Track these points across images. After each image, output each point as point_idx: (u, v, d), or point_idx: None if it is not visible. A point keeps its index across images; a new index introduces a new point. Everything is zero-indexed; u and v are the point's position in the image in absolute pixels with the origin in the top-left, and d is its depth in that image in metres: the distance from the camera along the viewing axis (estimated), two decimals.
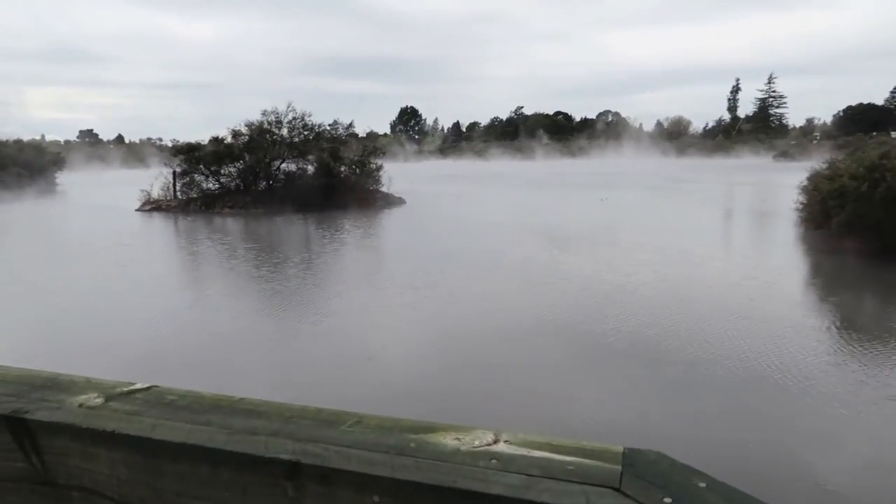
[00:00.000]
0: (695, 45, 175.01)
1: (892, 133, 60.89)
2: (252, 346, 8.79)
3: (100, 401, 0.87)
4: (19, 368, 1.02)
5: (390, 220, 24.88)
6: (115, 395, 0.89)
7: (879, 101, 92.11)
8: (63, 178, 43.66)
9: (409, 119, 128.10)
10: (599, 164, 68.50)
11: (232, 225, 23.68)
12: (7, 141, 45.45)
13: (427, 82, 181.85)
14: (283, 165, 27.88)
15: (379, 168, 29.77)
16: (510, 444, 0.71)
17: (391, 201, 28.68)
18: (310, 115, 28.52)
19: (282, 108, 28.12)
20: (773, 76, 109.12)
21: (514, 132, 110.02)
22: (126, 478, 0.81)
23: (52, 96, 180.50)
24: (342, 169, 28.43)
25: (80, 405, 0.87)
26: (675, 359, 7.83)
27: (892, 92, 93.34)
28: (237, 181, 27.56)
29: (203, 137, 46.34)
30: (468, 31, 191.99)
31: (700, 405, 6.55)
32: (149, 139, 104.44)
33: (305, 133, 28.24)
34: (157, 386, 0.91)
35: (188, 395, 0.88)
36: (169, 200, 27.20)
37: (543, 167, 65.25)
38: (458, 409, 6.45)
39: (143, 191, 27.26)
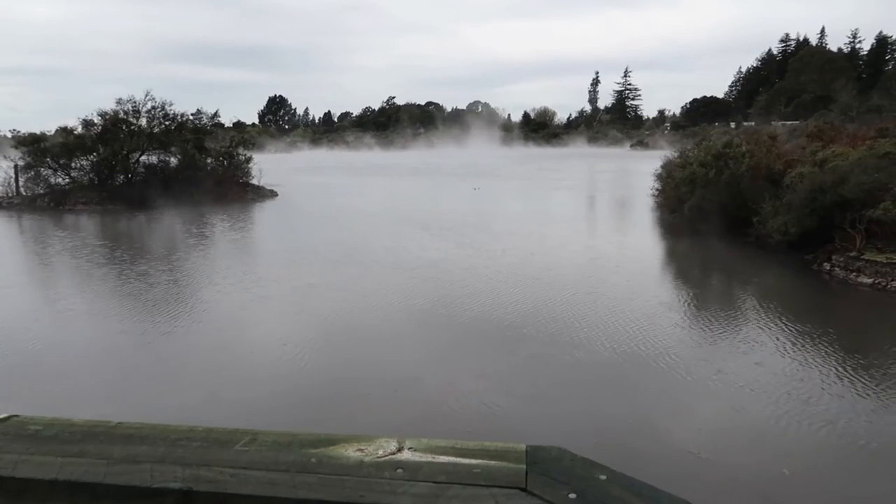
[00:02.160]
0: (557, 40, 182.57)
1: (731, 123, 66.72)
2: (91, 353, 8.24)
3: None
4: None
5: (261, 213, 24.09)
6: None
7: (720, 95, 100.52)
8: None
9: (277, 108, 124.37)
10: (470, 154, 69.94)
11: (84, 222, 21.97)
12: None
13: (296, 72, 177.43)
14: (143, 158, 26.19)
15: (248, 160, 28.71)
16: (414, 451, 0.70)
17: (262, 194, 27.78)
18: (171, 105, 26.95)
19: (139, 96, 26.34)
20: (629, 70, 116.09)
21: (386, 122, 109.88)
22: None
23: None
24: (208, 161, 27.15)
25: None
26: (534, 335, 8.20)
27: (730, 86, 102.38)
28: (91, 175, 25.56)
29: (50, 128, 42.57)
30: (336, 21, 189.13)
31: (557, 377, 6.90)
32: None
33: (167, 123, 26.62)
34: (17, 416, 0.83)
35: (55, 422, 0.80)
36: (11, 197, 24.78)
37: (416, 157, 65.70)
38: (317, 398, 6.40)
39: None
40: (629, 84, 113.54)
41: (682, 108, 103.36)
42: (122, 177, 25.68)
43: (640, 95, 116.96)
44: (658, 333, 8.44)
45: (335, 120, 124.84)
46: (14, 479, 0.71)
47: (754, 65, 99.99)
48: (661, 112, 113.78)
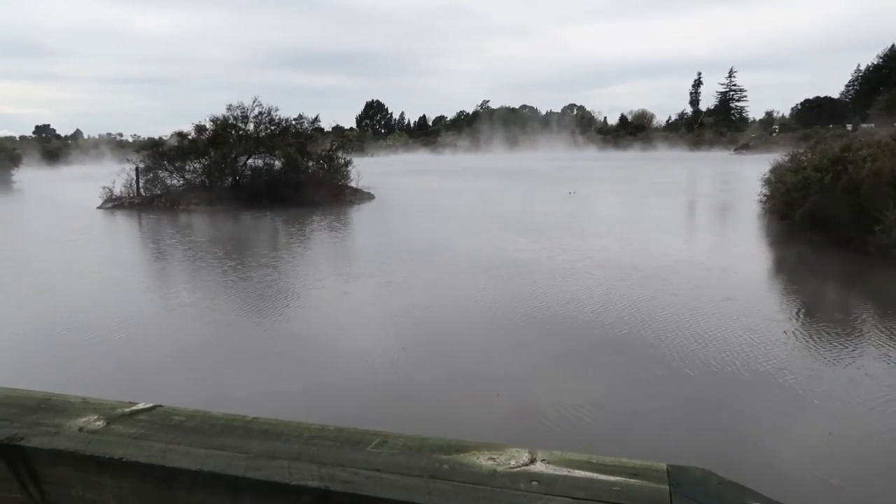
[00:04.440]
0: (657, 40, 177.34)
1: (848, 125, 62.55)
2: (197, 343, 8.66)
3: (101, 424, 0.82)
4: (9, 388, 0.96)
5: (358, 214, 24.72)
6: (117, 416, 0.84)
7: (835, 95, 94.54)
8: (19, 174, 42.43)
9: (375, 112, 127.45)
10: (565, 157, 69.03)
11: (195, 221, 23.27)
12: None
13: (391, 76, 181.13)
14: (250, 161, 27.49)
15: (347, 163, 29.55)
16: (548, 463, 0.68)
17: (360, 196, 28.50)
18: (277, 110, 28.17)
19: (246, 102, 27.75)
20: (734, 70, 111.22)
21: (479, 125, 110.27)
22: None
23: (5, 91, 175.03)
24: (310, 164, 28.13)
25: (80, 429, 0.81)
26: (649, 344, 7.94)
27: (846, 86, 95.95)
28: (202, 177, 27.07)
29: (165, 132, 45.44)
30: (429, 26, 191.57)
31: (655, 389, 6.64)
32: (108, 134, 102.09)
33: (272, 128, 27.85)
34: (160, 406, 0.86)
35: (196, 415, 0.83)
36: (132, 197, 26.60)
37: (509, 160, 65.53)
38: (412, 396, 6.44)
39: (104, 188, 26.59)
40: (734, 84, 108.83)
41: (792, 109, 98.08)
42: (230, 179, 27.02)
43: (745, 96, 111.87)
44: (770, 347, 8.00)
45: (430, 123, 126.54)
46: (163, 467, 0.73)
47: (875, 62, 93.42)
48: (769, 114, 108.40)
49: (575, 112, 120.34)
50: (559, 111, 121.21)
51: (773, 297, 11.00)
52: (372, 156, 70.93)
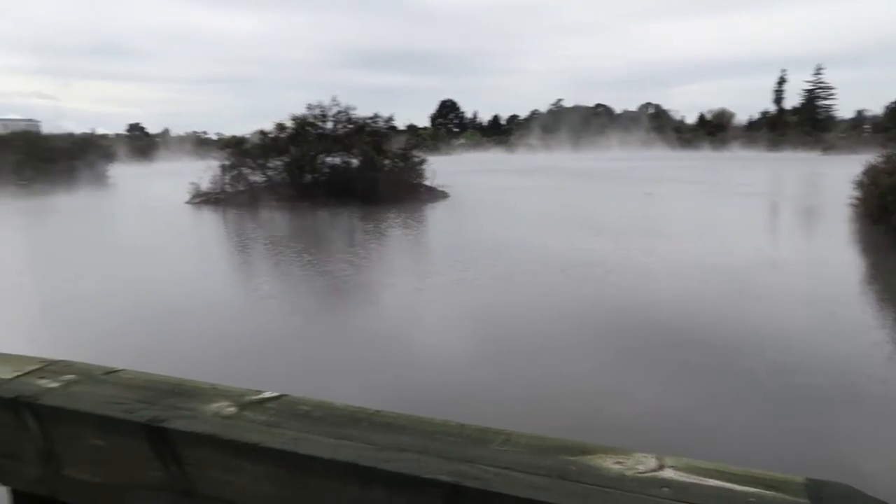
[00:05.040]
0: (740, 36, 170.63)
1: None
2: (305, 339, 8.96)
3: (233, 410, 0.86)
4: (144, 373, 1.02)
5: (433, 212, 24.98)
6: (247, 403, 0.88)
7: None
8: (114, 170, 44.79)
9: (448, 112, 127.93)
10: (642, 157, 67.52)
11: (276, 217, 24.05)
12: (59, 135, 46.87)
13: (465, 76, 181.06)
14: (328, 159, 28.17)
15: (422, 161, 29.85)
16: (677, 469, 0.66)
17: (434, 194, 28.76)
18: (354, 109, 28.77)
19: (321, 100, 28.55)
20: (821, 67, 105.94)
21: (553, 124, 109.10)
22: (270, 492, 0.78)
23: (100, 91, 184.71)
24: (386, 162, 28.59)
25: (215, 414, 0.85)
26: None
27: None
28: (283, 174, 27.94)
29: (246, 131, 47.09)
30: (503, 25, 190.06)
31: (749, 396, 6.47)
32: (194, 132, 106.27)
33: (350, 127, 28.47)
34: (286, 395, 0.89)
35: (321, 405, 0.86)
36: (217, 193, 27.71)
37: (584, 159, 64.60)
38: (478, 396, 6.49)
39: (192, 183, 27.80)
40: (821, 82, 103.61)
41: (886, 108, 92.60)
42: (309, 176, 27.76)
43: (833, 95, 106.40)
44: (862, 357, 7.68)
45: (502, 122, 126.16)
46: (296, 454, 0.75)
47: None
48: (860, 112, 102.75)
49: (651, 111, 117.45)
50: (635, 110, 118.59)
51: (864, 305, 10.53)
52: (446, 154, 71.35)
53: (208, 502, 0.82)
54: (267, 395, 0.89)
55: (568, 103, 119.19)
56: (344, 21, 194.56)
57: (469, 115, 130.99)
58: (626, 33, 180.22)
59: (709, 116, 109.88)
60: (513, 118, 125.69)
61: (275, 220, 23.72)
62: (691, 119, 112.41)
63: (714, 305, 10.03)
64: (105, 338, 8.55)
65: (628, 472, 0.66)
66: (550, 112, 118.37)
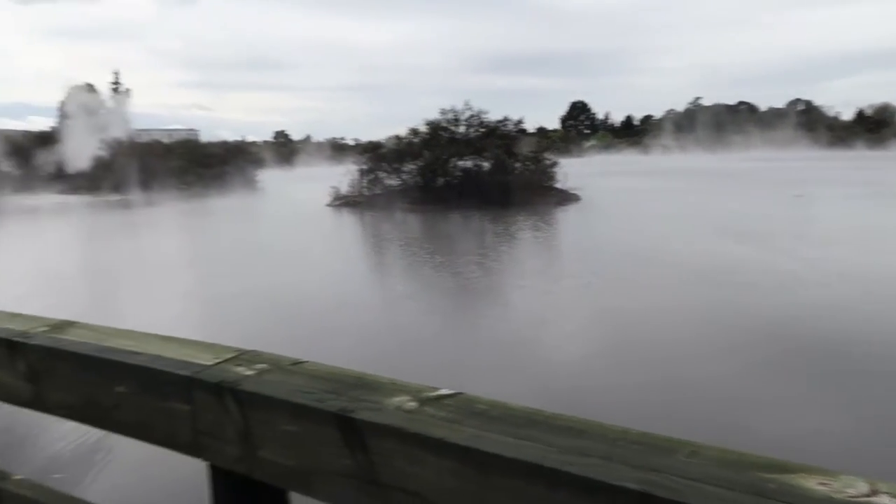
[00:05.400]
0: None
1: None
2: (440, 337, 9.14)
3: (414, 405, 0.88)
4: (327, 365, 1.06)
5: (564, 215, 24.68)
6: (426, 399, 0.90)
7: None
8: (262, 175, 48.02)
9: (578, 113, 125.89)
10: (791, 157, 62.95)
11: (410, 220, 24.73)
12: (215, 142, 51.00)
13: (596, 76, 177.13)
14: (460, 162, 28.62)
15: (553, 164, 29.60)
16: (893, 497, 0.60)
17: (566, 197, 28.39)
18: (486, 113, 29.06)
19: (453, 105, 29.07)
20: None
21: (690, 124, 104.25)
22: (453, 487, 0.79)
23: (251, 102, 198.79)
24: (516, 165, 28.60)
25: (397, 408, 0.88)
26: None
27: None
28: (417, 178, 28.71)
29: (381, 136, 48.84)
30: (636, 21, 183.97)
31: None
32: (333, 138, 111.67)
33: (482, 130, 28.78)
34: (462, 393, 0.91)
35: (497, 405, 0.86)
36: (356, 196, 28.95)
37: (726, 160, 61.21)
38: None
39: (332, 187, 29.23)
40: None
41: None
42: (441, 180, 28.34)
43: None
44: None
45: (636, 123, 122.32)
46: (480, 451, 0.76)
47: None
48: None
49: (801, 107, 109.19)
50: (781, 107, 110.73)
51: None
52: (576, 157, 70.29)
53: (393, 492, 0.85)
54: (444, 392, 0.92)
55: (707, 101, 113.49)
56: (474, 27, 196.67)
57: (600, 116, 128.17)
58: (771, 24, 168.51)
59: (869, 112, 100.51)
60: (646, 118, 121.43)
61: (408, 222, 24.42)
62: (847, 115, 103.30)
63: (871, 318, 9.15)
64: (267, 331, 9.17)
65: (836, 496, 0.61)
66: (687, 111, 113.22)
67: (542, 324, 9.82)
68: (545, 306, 10.78)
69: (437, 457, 0.80)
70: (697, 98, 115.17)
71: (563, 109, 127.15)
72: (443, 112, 29.11)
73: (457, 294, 12.21)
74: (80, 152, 43.37)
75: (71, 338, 1.28)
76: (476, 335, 9.27)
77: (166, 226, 24.85)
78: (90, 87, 54.17)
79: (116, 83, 57.59)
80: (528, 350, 8.47)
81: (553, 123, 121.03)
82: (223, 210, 30.06)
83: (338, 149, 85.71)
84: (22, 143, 45.58)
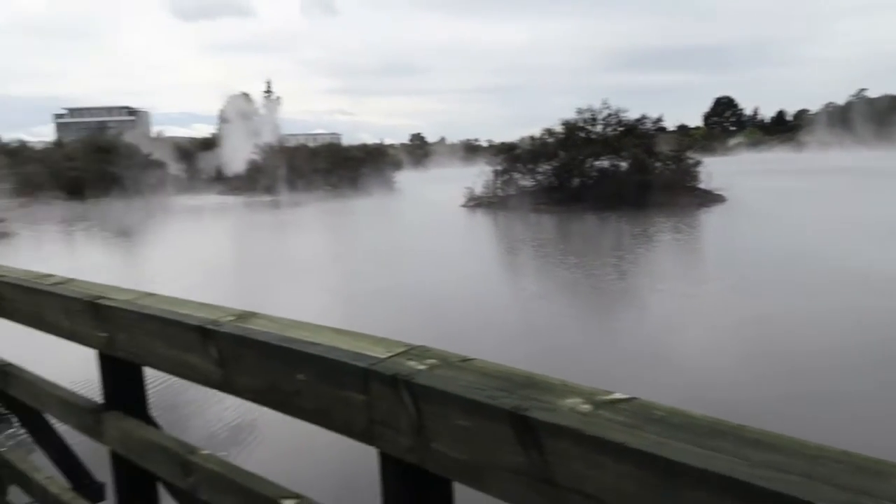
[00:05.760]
0: None
1: None
2: (574, 339, 8.99)
3: (588, 407, 0.87)
4: (495, 363, 1.06)
5: (707, 217, 23.47)
6: (600, 402, 0.88)
7: None
8: (399, 176, 49.61)
9: (724, 110, 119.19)
10: None
11: (544, 221, 24.53)
12: (356, 146, 53.38)
13: (742, 69, 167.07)
14: (597, 163, 28.03)
15: (696, 163, 28.23)
16: None
17: (709, 198, 26.98)
18: (625, 112, 28.26)
19: (590, 104, 28.52)
20: None
21: (854, 118, 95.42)
22: (633, 492, 0.77)
23: (389, 106, 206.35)
24: (657, 165, 27.57)
25: (571, 409, 0.87)
26: None
27: None
28: (552, 178, 28.45)
29: (513, 137, 48.90)
30: (787, 8, 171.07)
31: None
32: (467, 140, 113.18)
33: (619, 129, 28.02)
34: (637, 398, 0.88)
35: (677, 413, 0.83)
36: (490, 197, 29.17)
37: (893, 158, 55.46)
38: None
39: (467, 188, 29.63)
40: None
41: None
42: (577, 180, 27.89)
43: None
44: None
45: (789, 118, 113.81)
46: (664, 459, 0.73)
47: None
48: None
49: None
50: None
51: None
52: (721, 155, 66.59)
53: (568, 493, 0.84)
54: (618, 396, 0.90)
55: (874, 93, 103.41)
56: (609, 24, 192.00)
57: (748, 111, 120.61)
58: None
59: None
60: (801, 113, 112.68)
61: (543, 223, 24.25)
62: None
63: None
64: (408, 329, 9.46)
65: None
66: (850, 103, 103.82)
67: (681, 329, 9.40)
68: (684, 311, 10.32)
69: (617, 461, 0.78)
70: (862, 90, 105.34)
71: (706, 106, 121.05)
72: (579, 111, 28.68)
73: (592, 296, 11.98)
74: (236, 156, 46.98)
75: (255, 327, 1.38)
76: (611, 339, 9.04)
77: (313, 225, 26.34)
78: (246, 96, 58.65)
79: (269, 91, 61.92)
80: (666, 356, 8.14)
81: (695, 121, 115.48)
82: (364, 210, 31.35)
83: (471, 150, 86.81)
84: (188, 149, 50.07)
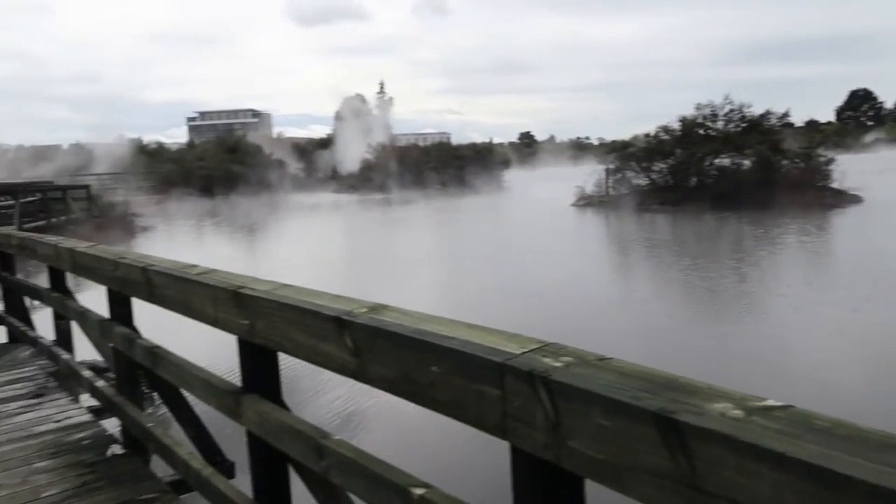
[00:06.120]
0: None
1: None
2: (687, 345, 8.63)
3: (739, 413, 0.84)
4: (633, 364, 1.04)
5: (841, 220, 21.81)
6: (752, 408, 0.85)
7: None
8: (507, 175, 49.55)
9: (860, 103, 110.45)
10: None
11: (658, 221, 23.71)
12: (465, 145, 53.79)
13: (883, 59, 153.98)
14: (716, 161, 26.76)
15: (828, 161, 26.33)
16: None
17: (843, 199, 25.06)
18: (749, 107, 26.76)
19: (699, 99, 27.31)
20: None
21: None
22: None
23: (498, 104, 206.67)
24: (783, 163, 25.96)
25: (721, 414, 0.84)
26: None
27: None
28: (667, 178, 27.45)
29: (624, 134, 47.54)
30: None
31: None
32: (577, 138, 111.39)
33: (742, 125, 26.59)
34: (792, 406, 0.85)
35: (843, 424, 0.79)
36: (601, 196, 28.55)
37: None
38: None
39: (577, 187, 29.13)
40: None
41: None
42: (694, 179, 26.76)
43: None
44: None
45: None
46: (832, 472, 0.70)
47: None
48: None
49: None
50: None
51: None
52: (856, 152, 61.76)
53: (716, 500, 0.82)
54: (772, 403, 0.87)
55: None
56: (728, 14, 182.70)
57: (888, 105, 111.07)
58: None
59: None
60: None
61: (656, 223, 23.47)
62: None
63: None
64: (520, 327, 9.47)
65: None
66: None
67: (804, 338, 8.80)
68: (809, 318, 9.66)
69: (776, 471, 0.75)
70: None
71: (838, 99, 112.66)
72: (698, 107, 27.44)
73: (707, 300, 11.47)
74: (350, 155, 48.63)
75: (389, 319, 1.43)
76: (727, 345, 8.62)
77: (425, 222, 26.83)
78: (360, 98, 60.55)
79: (381, 92, 63.62)
80: (784, 365, 7.66)
81: (826, 115, 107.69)
82: (473, 208, 31.54)
83: (580, 148, 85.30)
84: (305, 149, 52.37)
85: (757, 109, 27.45)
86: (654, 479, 0.89)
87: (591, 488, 1.08)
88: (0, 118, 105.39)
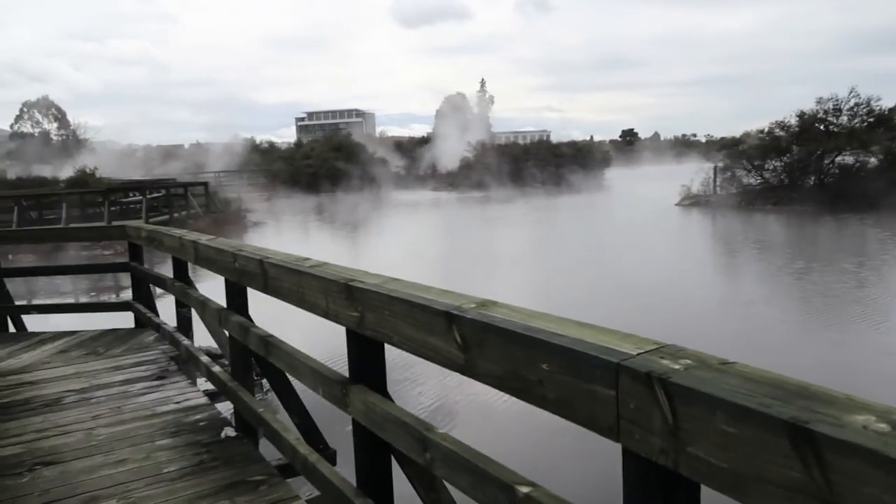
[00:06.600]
0: None
1: None
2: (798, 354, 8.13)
3: (884, 427, 0.78)
4: (760, 369, 0.98)
5: None
6: None
7: None
8: (609, 173, 48.41)
9: None
10: None
11: (770, 222, 22.46)
12: (565, 143, 53.00)
13: None
14: (838, 158, 25.01)
15: None
16: None
17: None
18: (878, 100, 24.80)
19: (818, 93, 25.46)
20: None
21: None
22: None
23: (599, 101, 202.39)
24: None
25: (864, 427, 0.78)
26: None
27: None
28: (782, 176, 25.93)
29: (736, 131, 45.21)
30: None
31: None
32: (683, 135, 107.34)
33: (869, 120, 24.66)
34: None
35: None
36: (708, 196, 27.35)
37: None
38: None
39: (683, 186, 28.05)
40: None
41: None
42: (812, 178, 25.16)
43: None
44: None
45: None
46: None
47: None
48: None
49: None
50: None
51: None
52: None
53: None
54: None
55: None
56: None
57: None
58: None
59: None
60: None
61: (768, 224, 22.25)
62: None
63: None
64: (627, 324, 9.25)
65: None
66: None
67: None
68: None
69: None
70: None
71: None
72: (819, 101, 25.67)
73: (819, 306, 10.78)
74: (449, 153, 49.04)
75: (497, 315, 1.42)
76: (842, 356, 8.05)
77: (524, 220, 26.65)
78: (461, 96, 60.96)
79: (482, 90, 63.78)
80: None
81: None
82: (574, 207, 31.04)
83: (686, 145, 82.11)
84: (406, 147, 53.28)
85: (886, 102, 25.46)
86: (783, 492, 0.84)
87: (707, 494, 1.04)
88: (130, 120, 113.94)
